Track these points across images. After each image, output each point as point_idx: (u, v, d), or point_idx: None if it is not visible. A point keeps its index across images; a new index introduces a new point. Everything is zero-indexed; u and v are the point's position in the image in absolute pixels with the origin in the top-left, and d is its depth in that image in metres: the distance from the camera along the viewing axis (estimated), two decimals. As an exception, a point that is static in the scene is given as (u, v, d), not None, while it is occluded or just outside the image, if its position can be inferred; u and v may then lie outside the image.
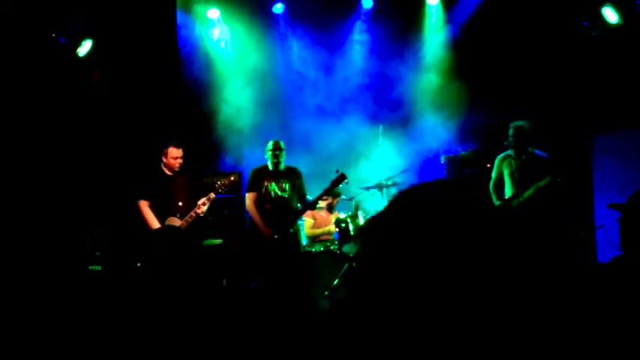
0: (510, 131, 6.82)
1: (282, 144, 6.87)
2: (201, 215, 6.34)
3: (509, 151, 6.90)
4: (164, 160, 6.39)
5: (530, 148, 6.77)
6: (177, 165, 6.40)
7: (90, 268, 7.22)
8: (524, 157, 6.78)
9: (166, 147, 6.42)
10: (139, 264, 6.94)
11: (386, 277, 1.28)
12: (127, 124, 8.14)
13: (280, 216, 6.67)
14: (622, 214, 3.18)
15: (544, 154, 6.77)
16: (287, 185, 6.78)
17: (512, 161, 6.85)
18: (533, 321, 1.38)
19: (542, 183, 6.59)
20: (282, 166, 6.84)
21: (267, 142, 6.96)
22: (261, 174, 6.82)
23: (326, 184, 7.78)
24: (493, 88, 8.96)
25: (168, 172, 6.42)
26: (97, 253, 7.14)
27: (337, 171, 6.53)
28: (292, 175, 6.89)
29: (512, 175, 6.83)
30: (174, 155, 6.38)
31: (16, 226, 6.64)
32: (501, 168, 6.97)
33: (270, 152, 6.81)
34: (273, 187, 6.74)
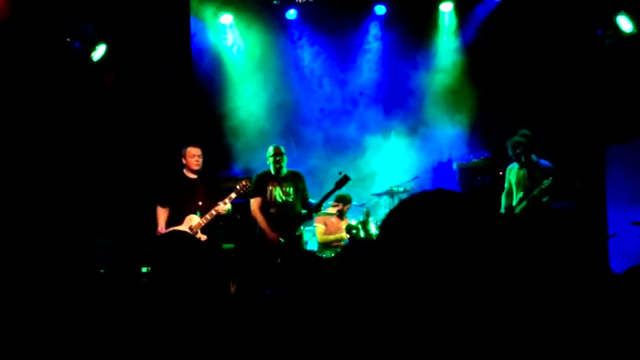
0: (508, 149, 7.00)
1: (282, 149, 6.88)
2: (223, 214, 6.37)
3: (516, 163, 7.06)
4: (184, 161, 6.46)
5: (534, 158, 6.89)
6: (196, 164, 6.45)
7: (101, 271, 7.27)
8: (528, 167, 6.92)
9: (184, 148, 6.49)
10: (146, 269, 6.98)
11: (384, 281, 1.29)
12: (139, 127, 8.19)
13: (285, 220, 6.69)
14: None
15: (548, 164, 6.88)
16: (291, 189, 6.81)
17: (519, 171, 7.01)
18: (543, 329, 1.37)
19: (545, 185, 6.73)
20: (284, 171, 6.85)
21: (268, 148, 6.96)
22: (265, 179, 6.85)
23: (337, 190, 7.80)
24: (506, 95, 8.94)
25: (191, 175, 6.49)
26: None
27: (340, 173, 6.51)
28: (295, 179, 6.92)
29: (518, 184, 7.01)
30: (193, 153, 6.44)
31: (28, 228, 6.68)
32: (510, 177, 7.14)
33: (271, 158, 6.82)
34: (277, 191, 6.78)
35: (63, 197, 7.20)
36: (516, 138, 6.96)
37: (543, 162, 6.91)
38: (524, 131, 7.00)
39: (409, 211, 1.34)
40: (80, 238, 7.27)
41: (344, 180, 6.43)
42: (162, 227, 6.39)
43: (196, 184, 6.48)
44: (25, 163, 6.80)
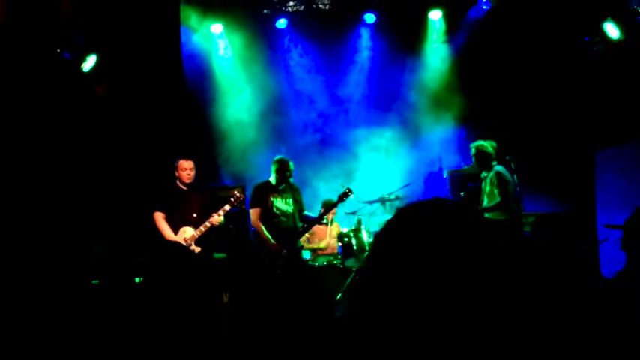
0: (472, 151, 7.18)
1: (291, 165, 6.88)
2: (216, 225, 6.38)
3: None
4: (176, 174, 6.46)
5: (496, 168, 7.03)
6: (188, 177, 6.46)
7: (94, 282, 7.23)
8: (484, 174, 7.12)
9: (176, 161, 6.50)
10: (139, 279, 6.95)
11: (389, 291, 1.30)
12: (130, 138, 8.18)
13: (286, 230, 6.69)
14: (623, 233, 3.22)
15: (503, 177, 6.96)
16: (290, 200, 6.83)
17: (482, 179, 7.21)
18: (537, 334, 1.39)
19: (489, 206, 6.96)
20: (284, 184, 6.87)
21: (278, 159, 6.93)
22: (265, 189, 6.83)
23: (327, 198, 7.84)
24: (495, 102, 9.00)
25: (183, 187, 6.50)
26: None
27: (343, 186, 6.63)
28: (292, 190, 6.96)
29: (482, 193, 7.18)
30: (185, 167, 6.45)
31: (21, 237, 6.65)
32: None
33: (279, 172, 6.79)
34: (278, 202, 6.77)
35: (55, 207, 7.18)
36: (481, 143, 7.17)
37: (501, 171, 7.03)
38: (485, 141, 7.15)
39: (408, 222, 1.35)
40: (73, 247, 7.24)
41: (346, 193, 6.53)
42: (170, 235, 6.32)
43: (189, 196, 6.49)
44: (17, 173, 6.78)
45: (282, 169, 6.79)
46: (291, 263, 6.59)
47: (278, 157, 6.97)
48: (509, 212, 6.92)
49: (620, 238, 3.04)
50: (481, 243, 1.29)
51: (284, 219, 6.77)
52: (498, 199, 6.86)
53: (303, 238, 7.76)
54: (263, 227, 6.72)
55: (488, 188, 7.01)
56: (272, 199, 6.76)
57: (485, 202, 7.03)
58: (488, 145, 7.09)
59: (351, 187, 6.70)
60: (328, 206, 7.04)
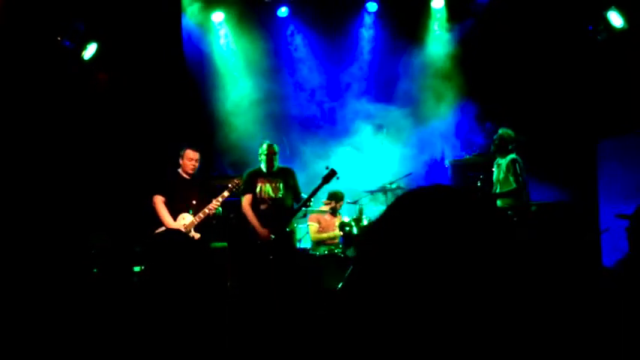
0: (497, 134, 7.25)
1: (276, 148, 6.98)
2: (214, 212, 6.42)
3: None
4: (181, 162, 6.46)
5: (512, 155, 7.03)
6: (193, 168, 6.48)
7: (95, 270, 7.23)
8: (500, 161, 7.14)
9: (184, 149, 6.50)
10: (138, 268, 6.96)
11: (383, 281, 1.28)
12: (130, 126, 8.17)
13: (275, 216, 6.75)
14: (630, 224, 3.19)
15: (520, 164, 6.97)
16: (281, 185, 6.90)
17: (495, 165, 7.25)
18: (536, 325, 1.37)
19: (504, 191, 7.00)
20: (275, 168, 6.91)
21: (262, 144, 7.04)
22: (255, 176, 6.94)
23: (334, 189, 7.80)
24: (498, 92, 8.96)
25: (185, 176, 6.51)
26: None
27: (327, 167, 6.47)
28: (286, 175, 7.00)
29: (494, 180, 7.21)
30: (191, 157, 6.47)
31: (22, 227, 6.65)
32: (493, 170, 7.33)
33: (264, 156, 6.90)
34: (267, 188, 6.86)
35: (55, 196, 7.17)
36: (506, 130, 7.19)
37: (515, 161, 7.03)
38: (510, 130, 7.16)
39: (407, 207, 1.33)
40: (74, 237, 7.24)
41: (331, 174, 6.40)
42: (170, 221, 6.32)
43: (190, 185, 6.50)
44: (17, 163, 6.77)
45: (266, 154, 6.88)
46: (281, 248, 6.60)
47: (263, 142, 7.06)
48: (520, 200, 6.97)
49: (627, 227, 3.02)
50: (485, 239, 1.27)
51: (273, 205, 6.83)
52: (514, 185, 6.90)
53: (315, 229, 7.77)
54: (251, 213, 6.83)
55: (502, 175, 7.04)
56: (261, 185, 6.84)
57: (498, 189, 7.05)
58: (513, 135, 7.16)
59: (348, 176, 6.66)
60: (314, 189, 6.97)
